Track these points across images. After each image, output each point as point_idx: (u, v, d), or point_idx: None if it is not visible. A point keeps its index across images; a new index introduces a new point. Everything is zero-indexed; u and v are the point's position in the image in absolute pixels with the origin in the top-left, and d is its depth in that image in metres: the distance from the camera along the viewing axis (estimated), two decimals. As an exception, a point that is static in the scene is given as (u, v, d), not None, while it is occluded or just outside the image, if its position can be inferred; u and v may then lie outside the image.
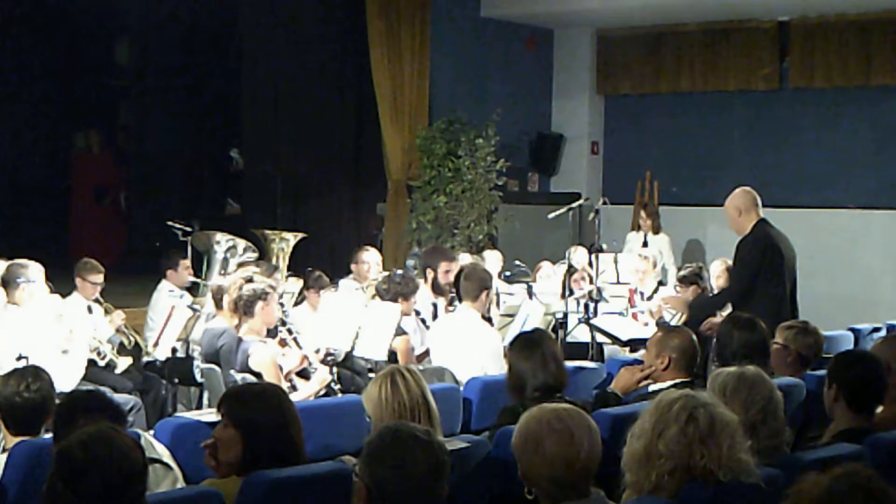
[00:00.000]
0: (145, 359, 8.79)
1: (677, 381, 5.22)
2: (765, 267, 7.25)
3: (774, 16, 13.50)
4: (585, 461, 3.39)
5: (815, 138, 13.51)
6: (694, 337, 5.47)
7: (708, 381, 4.26)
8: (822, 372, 5.04)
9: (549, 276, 10.33)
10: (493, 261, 10.29)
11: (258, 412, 3.97)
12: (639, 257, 10.45)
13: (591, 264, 9.66)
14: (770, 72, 13.64)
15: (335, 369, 7.39)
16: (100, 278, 8.60)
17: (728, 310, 7.37)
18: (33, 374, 4.65)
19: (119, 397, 7.11)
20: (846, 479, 2.58)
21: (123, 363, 8.14)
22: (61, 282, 8.41)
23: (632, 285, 9.74)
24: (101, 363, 7.99)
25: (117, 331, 8.43)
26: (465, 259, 9.21)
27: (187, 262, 9.61)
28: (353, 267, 9.77)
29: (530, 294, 9.43)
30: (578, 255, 10.21)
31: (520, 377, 5.04)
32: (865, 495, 2.56)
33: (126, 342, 8.69)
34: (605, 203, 9.75)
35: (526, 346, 5.11)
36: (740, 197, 7.43)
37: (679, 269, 10.35)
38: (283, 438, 3.97)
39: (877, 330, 8.62)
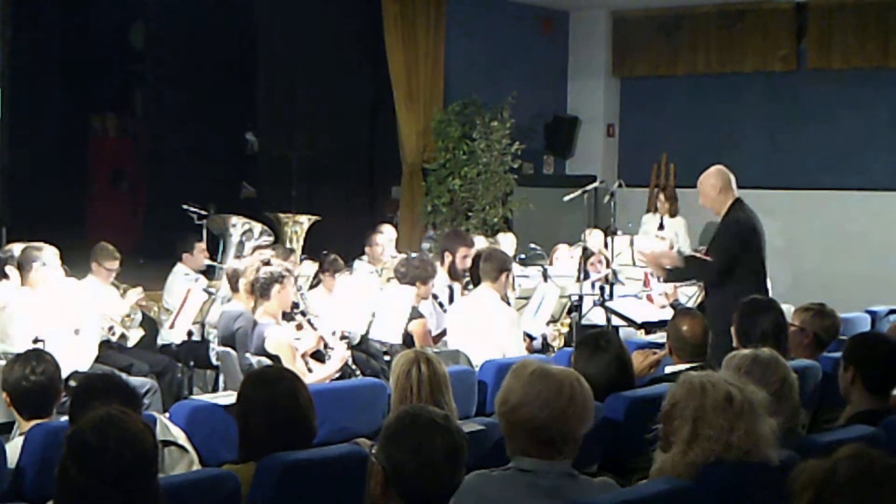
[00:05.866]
0: (161, 342, 8.82)
1: (691, 364, 5.22)
2: (749, 246, 7.22)
3: (792, -4, 13.44)
4: (566, 416, 3.37)
5: (832, 119, 13.44)
6: (703, 323, 5.46)
7: (723, 363, 4.26)
8: (838, 354, 5.02)
9: (565, 258, 10.32)
10: (507, 244, 10.28)
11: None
12: (655, 239, 10.42)
13: (606, 247, 9.65)
14: (787, 53, 13.57)
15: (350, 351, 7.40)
16: (115, 265, 8.59)
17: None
18: (37, 358, 4.68)
19: (135, 380, 7.10)
20: (854, 461, 2.56)
21: (135, 335, 8.15)
22: (77, 265, 8.43)
23: (647, 268, 9.71)
24: (114, 339, 8.01)
25: (138, 305, 8.45)
26: (479, 243, 9.21)
27: (203, 246, 9.62)
28: (367, 249, 9.78)
29: (546, 277, 9.42)
30: (594, 238, 10.19)
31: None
32: (875, 474, 2.55)
33: (152, 314, 8.73)
34: (620, 186, 9.70)
35: (593, 347, 4.97)
36: (717, 175, 7.35)
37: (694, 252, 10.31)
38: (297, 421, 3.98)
39: (893, 311, 8.58)
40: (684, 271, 7.64)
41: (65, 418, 4.37)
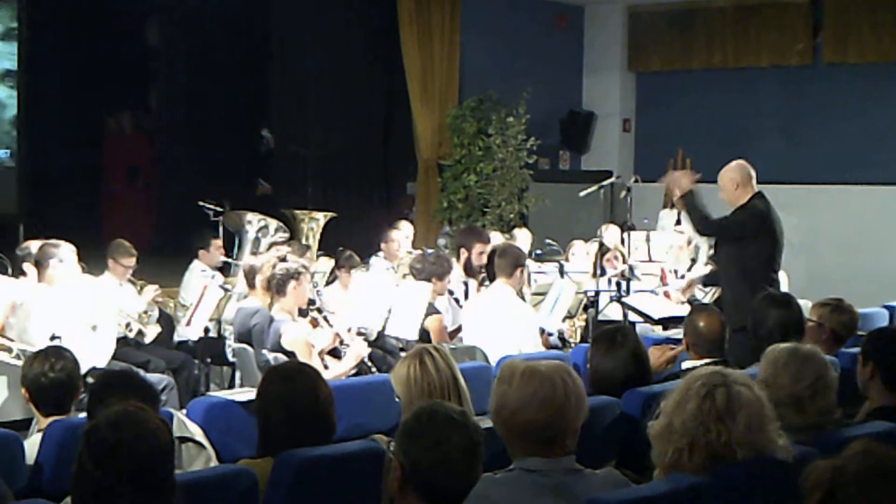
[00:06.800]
0: (177, 338, 8.83)
1: (708, 360, 5.20)
2: (760, 232, 7.15)
3: (807, -10, 13.40)
4: (563, 412, 3.34)
5: (848, 114, 13.40)
6: (721, 319, 5.44)
7: (762, 356, 4.24)
8: (856, 349, 5.00)
9: (581, 254, 10.30)
10: (522, 239, 10.26)
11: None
12: (674, 233, 10.40)
13: (623, 242, 9.63)
14: (803, 47, 13.53)
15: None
16: (132, 262, 8.58)
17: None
18: (56, 354, 4.69)
19: (152, 377, 7.15)
20: (862, 457, 2.55)
21: (152, 332, 8.17)
22: (94, 262, 8.44)
23: (664, 263, 9.69)
24: (131, 335, 8.03)
25: (155, 301, 8.47)
26: (495, 239, 9.19)
27: (219, 242, 9.63)
28: (382, 246, 9.78)
29: (562, 273, 9.40)
30: (610, 234, 10.18)
31: (597, 372, 4.90)
32: (884, 469, 2.53)
33: (168, 311, 8.75)
34: (636, 181, 9.70)
35: (610, 343, 4.92)
36: (736, 170, 7.27)
37: (711, 247, 10.28)
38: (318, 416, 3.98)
39: (911, 307, 8.53)
40: (698, 207, 7.42)
41: (83, 415, 4.38)
